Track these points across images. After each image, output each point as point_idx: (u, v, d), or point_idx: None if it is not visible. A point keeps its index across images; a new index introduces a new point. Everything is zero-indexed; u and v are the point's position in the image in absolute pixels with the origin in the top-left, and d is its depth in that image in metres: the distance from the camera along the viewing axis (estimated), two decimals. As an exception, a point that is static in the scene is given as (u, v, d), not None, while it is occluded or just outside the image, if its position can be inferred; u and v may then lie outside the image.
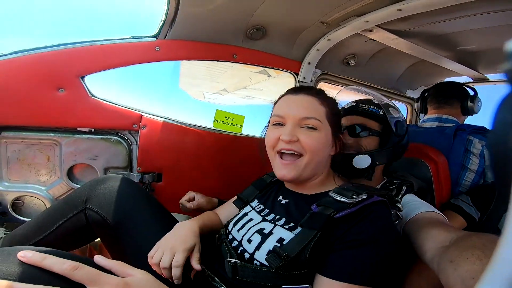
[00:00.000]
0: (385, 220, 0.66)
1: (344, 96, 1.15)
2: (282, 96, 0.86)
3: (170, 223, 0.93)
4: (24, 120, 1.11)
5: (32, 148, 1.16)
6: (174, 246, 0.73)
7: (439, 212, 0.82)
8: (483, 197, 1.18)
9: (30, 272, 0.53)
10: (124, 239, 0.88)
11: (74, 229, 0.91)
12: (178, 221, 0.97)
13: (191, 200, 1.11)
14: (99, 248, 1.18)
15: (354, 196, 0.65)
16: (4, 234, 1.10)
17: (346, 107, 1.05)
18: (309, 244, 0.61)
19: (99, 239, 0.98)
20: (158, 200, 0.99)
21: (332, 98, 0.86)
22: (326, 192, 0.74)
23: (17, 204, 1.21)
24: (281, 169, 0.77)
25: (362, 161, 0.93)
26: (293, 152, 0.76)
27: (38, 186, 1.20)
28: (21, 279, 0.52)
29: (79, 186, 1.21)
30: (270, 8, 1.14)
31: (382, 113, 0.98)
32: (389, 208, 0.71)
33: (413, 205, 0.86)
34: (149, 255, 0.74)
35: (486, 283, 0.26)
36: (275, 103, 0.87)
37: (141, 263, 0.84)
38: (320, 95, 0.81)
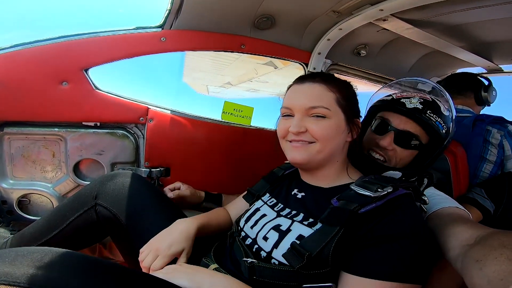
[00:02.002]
0: (415, 213, 0.63)
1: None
2: (290, 86, 0.82)
3: None
4: (27, 115, 1.08)
5: (36, 144, 1.13)
6: (158, 249, 0.73)
7: (462, 207, 0.78)
8: (496, 188, 1.16)
9: (42, 274, 0.50)
10: (134, 236, 0.86)
11: (84, 226, 0.90)
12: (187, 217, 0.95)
13: (176, 189, 1.11)
14: (108, 247, 1.16)
15: (379, 190, 0.62)
16: (11, 234, 1.08)
17: (408, 105, 0.86)
18: (331, 241, 0.59)
19: (108, 237, 0.96)
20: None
21: (343, 81, 0.80)
22: (346, 185, 0.71)
23: (23, 202, 1.18)
24: (292, 152, 0.75)
25: (392, 175, 0.85)
26: (303, 143, 0.73)
27: (44, 183, 1.17)
28: (32, 282, 0.48)
29: (85, 182, 1.18)
30: (279, -4, 1.09)
31: (444, 132, 0.86)
32: (415, 201, 0.67)
33: (436, 199, 0.82)
34: (140, 250, 0.75)
35: None
36: (285, 93, 0.83)
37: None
38: (328, 81, 0.76)
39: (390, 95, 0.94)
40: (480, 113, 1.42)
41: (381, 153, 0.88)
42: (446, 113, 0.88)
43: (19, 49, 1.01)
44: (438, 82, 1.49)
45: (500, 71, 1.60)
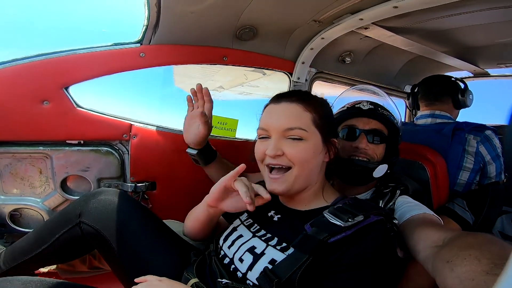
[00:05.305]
0: (382, 241, 0.65)
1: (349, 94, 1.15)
2: (266, 106, 0.82)
3: (163, 233, 0.95)
4: (11, 135, 1.09)
5: (23, 162, 1.15)
6: None
7: (432, 213, 0.82)
8: (479, 200, 1.16)
9: None
10: (119, 251, 0.89)
11: (71, 241, 0.93)
12: (170, 229, 0.98)
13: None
14: (98, 257, 1.20)
15: (349, 220, 0.63)
16: (4, 246, 1.12)
17: (363, 108, 0.98)
18: (300, 268, 0.61)
19: (97, 249, 1.00)
20: (153, 207, 0.99)
21: (319, 99, 0.81)
22: (321, 209, 0.73)
23: (15, 216, 1.22)
24: (271, 184, 0.75)
25: (381, 171, 0.94)
26: (280, 166, 0.74)
27: (34, 198, 1.20)
28: None
29: (74, 197, 1.21)
30: (259, 7, 1.07)
31: (396, 122, 0.99)
32: (386, 225, 0.69)
33: (406, 207, 0.86)
34: None
35: None
36: (261, 113, 0.83)
37: (138, 273, 0.85)
38: (304, 100, 0.76)
39: (343, 107, 1.04)
40: (460, 119, 1.39)
41: (363, 155, 0.95)
42: (389, 107, 1.01)
43: (-2, 69, 1.01)
44: (414, 86, 1.47)
45: (486, 75, 1.58)
